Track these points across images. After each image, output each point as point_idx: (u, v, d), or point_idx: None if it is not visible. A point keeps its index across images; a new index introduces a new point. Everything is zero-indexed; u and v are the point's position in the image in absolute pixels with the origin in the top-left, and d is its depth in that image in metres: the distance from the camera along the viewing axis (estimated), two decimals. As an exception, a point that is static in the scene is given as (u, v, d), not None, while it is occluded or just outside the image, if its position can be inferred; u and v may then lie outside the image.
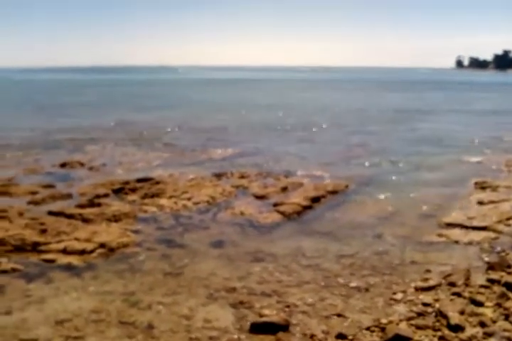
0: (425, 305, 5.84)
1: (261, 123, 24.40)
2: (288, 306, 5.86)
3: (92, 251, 7.61)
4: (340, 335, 5.17)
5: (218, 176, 12.61)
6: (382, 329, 5.28)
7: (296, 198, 10.39)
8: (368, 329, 5.32)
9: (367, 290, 6.34)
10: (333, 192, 11.07)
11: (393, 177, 12.78)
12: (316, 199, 10.46)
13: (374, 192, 11.27)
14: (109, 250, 7.69)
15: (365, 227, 8.92)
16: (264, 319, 5.45)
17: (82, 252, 7.58)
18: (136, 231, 8.61)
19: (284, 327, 5.31)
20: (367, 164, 14.52)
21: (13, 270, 7.04)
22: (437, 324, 5.37)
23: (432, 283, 6.45)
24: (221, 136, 20.20)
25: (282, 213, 9.60)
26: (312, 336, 5.20)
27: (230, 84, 77.24)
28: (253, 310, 5.78)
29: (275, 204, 10.11)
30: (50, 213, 9.48)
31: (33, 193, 10.99)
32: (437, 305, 5.77)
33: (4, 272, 6.96)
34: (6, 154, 15.76)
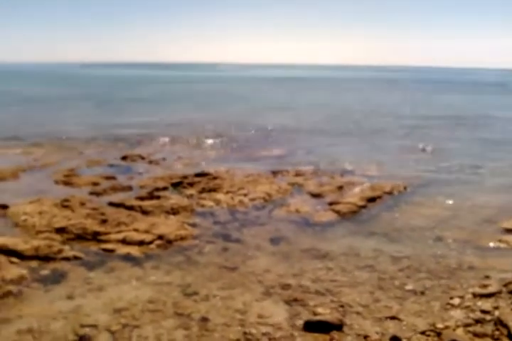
0: (484, 312, 5.69)
1: (318, 123, 24.30)
2: (342, 306, 5.85)
3: (150, 243, 7.82)
4: (394, 338, 5.13)
5: (274, 173, 12.66)
6: (438, 334, 5.19)
7: (352, 198, 10.32)
8: (423, 333, 5.25)
9: (423, 293, 6.24)
10: (391, 193, 10.93)
11: (453, 180, 12.47)
12: (372, 200, 10.36)
13: (433, 194, 11.04)
14: (167, 242, 7.88)
15: (422, 229, 8.77)
16: (318, 317, 5.47)
17: (140, 243, 7.80)
18: (193, 225, 8.78)
19: (337, 326, 5.31)
20: (426, 166, 14.21)
21: (75, 257, 7.32)
22: (497, 333, 5.22)
23: (491, 289, 6.28)
24: (278, 133, 20.23)
25: (338, 212, 9.56)
26: (366, 337, 5.18)
27: (279, 83, 77.01)
28: (307, 308, 5.80)
29: (331, 203, 10.08)
30: (111, 204, 9.79)
31: (95, 184, 11.38)
32: (497, 313, 5.62)
33: (66, 259, 7.25)
34: (70, 146, 16.37)
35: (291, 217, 9.37)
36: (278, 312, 5.72)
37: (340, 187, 11.27)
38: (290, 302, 5.97)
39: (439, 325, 5.38)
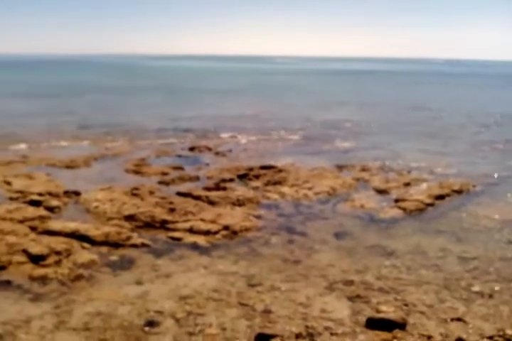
0: (557, 319, 5.50)
1: (385, 118, 23.92)
2: (406, 305, 5.80)
3: (216, 232, 7.99)
4: (459, 340, 5.04)
5: (339, 168, 12.60)
6: None
7: (419, 195, 10.13)
8: (490, 338, 5.12)
9: (491, 296, 6.09)
10: (459, 192, 10.64)
11: (526, 180, 12.00)
12: (440, 198, 10.14)
13: (503, 193, 10.68)
14: (232, 232, 8.03)
15: (491, 230, 8.51)
16: (381, 315, 5.44)
17: (207, 232, 7.98)
18: (258, 217, 8.89)
19: (401, 325, 5.27)
20: (498, 164, 13.73)
21: (143, 245, 7.58)
22: None
23: None
24: (345, 128, 20.10)
25: (404, 209, 9.42)
26: (429, 337, 5.12)
27: (340, 76, 75.95)
28: (370, 305, 5.78)
29: (396, 200, 9.94)
30: (179, 193, 10.05)
31: (164, 174, 11.70)
32: None
33: (134, 246, 7.51)
34: (140, 137, 16.86)
35: (355, 212, 9.32)
36: (340, 308, 5.74)
37: (407, 184, 11.09)
38: (353, 298, 5.97)
39: (509, 331, 5.23)
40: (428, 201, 9.81)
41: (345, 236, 8.11)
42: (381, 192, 10.61)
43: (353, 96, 36.02)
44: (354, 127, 20.26)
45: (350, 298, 5.96)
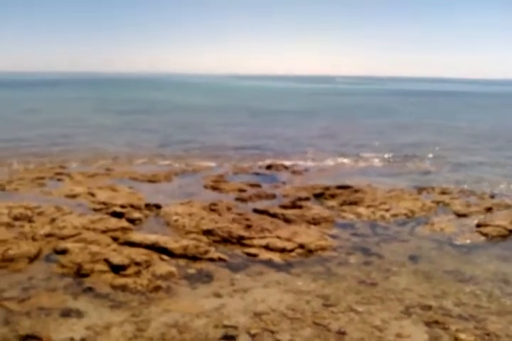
0: None
1: (469, 141, 23.27)
2: (488, 334, 5.59)
3: (291, 250, 8.04)
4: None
5: (419, 190, 12.36)
6: None
7: (502, 220, 9.75)
8: None
9: None
10: (547, 219, 10.15)
11: None
12: (525, 224, 9.71)
13: None
14: (307, 251, 8.06)
15: None
16: (460, 343, 5.29)
17: (282, 250, 8.04)
18: (333, 236, 8.87)
19: (481, 354, 5.10)
20: None
21: (220, 259, 7.73)
22: None
23: None
24: (426, 149, 19.65)
25: (485, 235, 9.11)
26: (512, 370, 4.92)
27: (414, 97, 74.18)
28: (448, 332, 5.63)
29: (478, 225, 9.62)
30: (256, 211, 10.20)
31: (241, 191, 11.92)
32: None
33: (212, 260, 7.68)
34: (220, 154, 17.29)
35: (434, 235, 9.10)
36: (417, 333, 5.62)
37: (489, 209, 10.71)
38: (430, 324, 5.83)
39: None
40: (511, 227, 9.43)
41: (422, 259, 7.93)
42: (462, 216, 10.30)
43: (431, 118, 35.20)
44: (434, 149, 19.79)
45: (428, 324, 5.82)
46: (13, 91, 67.73)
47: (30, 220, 9.27)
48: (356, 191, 11.79)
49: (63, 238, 8.39)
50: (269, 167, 14.97)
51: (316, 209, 10.38)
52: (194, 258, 7.71)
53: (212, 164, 15.41)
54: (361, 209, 10.43)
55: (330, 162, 16.38)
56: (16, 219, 9.31)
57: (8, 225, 9.00)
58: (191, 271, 7.32)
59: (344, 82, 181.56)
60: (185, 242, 8.11)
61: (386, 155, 17.86)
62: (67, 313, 5.94)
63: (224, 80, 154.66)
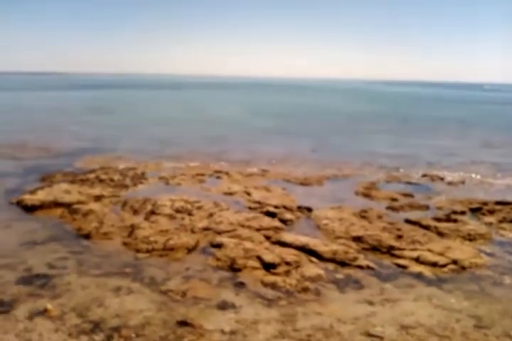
0: None
1: None
2: None
3: (444, 266, 7.76)
4: None
5: None
6: None
7: None
8: None
9: None
10: None
11: None
12: None
13: None
14: (460, 268, 7.73)
15: None
16: None
17: (433, 264, 7.80)
18: (489, 254, 8.41)
19: None
20: None
21: (368, 267, 7.71)
22: None
23: None
24: None
25: None
26: None
27: None
28: None
29: None
30: (407, 221, 9.99)
31: (393, 200, 11.73)
32: None
33: (360, 267, 7.68)
34: (372, 161, 17.16)
35: None
36: None
37: None
38: None
39: None
40: None
41: None
42: None
43: None
44: None
45: None
46: (184, 93, 72.64)
47: (189, 213, 9.96)
48: (518, 208, 11.04)
49: (219, 232, 8.93)
50: (423, 177, 14.56)
51: (472, 224, 9.90)
52: (342, 264, 7.77)
53: (364, 171, 15.31)
54: (523, 228, 9.76)
55: (489, 175, 15.43)
56: (177, 211, 10.06)
57: (170, 217, 9.76)
58: (339, 275, 7.39)
59: (492, 89, 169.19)
60: (334, 247, 8.21)
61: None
62: (219, 305, 6.32)
63: (370, 86, 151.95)
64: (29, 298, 6.40)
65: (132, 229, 9.00)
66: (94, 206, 10.29)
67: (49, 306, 6.11)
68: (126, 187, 12.26)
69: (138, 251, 8.10)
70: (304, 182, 13.27)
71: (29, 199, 10.47)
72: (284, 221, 9.75)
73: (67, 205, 10.34)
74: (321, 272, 7.37)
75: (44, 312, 6.01)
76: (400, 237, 8.86)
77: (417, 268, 7.70)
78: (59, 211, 10.15)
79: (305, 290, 6.82)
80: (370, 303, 6.50)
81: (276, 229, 9.25)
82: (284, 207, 10.54)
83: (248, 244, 8.23)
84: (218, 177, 13.56)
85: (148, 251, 8.08)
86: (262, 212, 10.23)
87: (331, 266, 7.70)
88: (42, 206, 10.28)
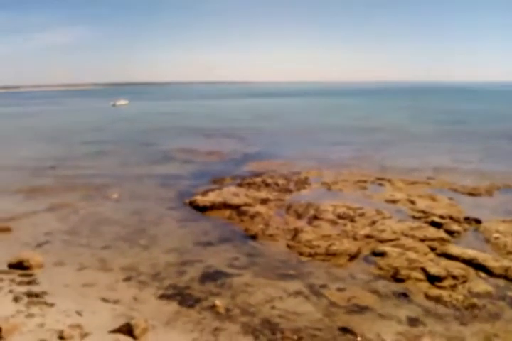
0: None
1: None
2: None
3: None
4: None
5: None
6: None
7: None
8: None
9: None
10: None
11: None
12: None
13: None
14: None
15: None
16: None
17: None
18: None
19: None
20: None
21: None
22: None
23: None
24: None
25: None
26: None
27: None
28: None
29: None
30: None
31: None
32: None
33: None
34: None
35: None
36: None
37: None
38: None
39: None
40: None
41: None
42: None
43: None
44: None
45: None
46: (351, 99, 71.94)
47: (352, 220, 10.04)
48: None
49: (382, 241, 8.88)
50: None
51: None
52: (514, 281, 7.32)
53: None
54: None
55: None
56: (339, 217, 10.19)
57: (333, 222, 9.92)
58: (510, 293, 6.96)
59: None
60: (506, 262, 7.77)
61: None
62: (382, 315, 6.32)
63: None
64: (207, 294, 6.98)
65: (296, 232, 9.32)
66: (260, 208, 10.82)
67: (217, 302, 6.62)
68: (290, 191, 12.68)
69: (301, 254, 8.39)
70: (472, 192, 12.61)
71: (201, 200, 11.34)
72: (450, 232, 9.40)
73: (235, 207, 11.01)
74: (491, 289, 7.04)
75: (213, 308, 6.53)
76: None
77: None
78: (227, 212, 10.85)
79: (472, 306, 6.56)
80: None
81: (442, 240, 8.96)
82: (451, 218, 10.14)
83: (412, 255, 8.10)
84: (380, 185, 13.43)
85: (310, 255, 8.32)
86: (426, 222, 9.95)
87: (501, 283, 7.30)
88: (212, 207, 11.08)
